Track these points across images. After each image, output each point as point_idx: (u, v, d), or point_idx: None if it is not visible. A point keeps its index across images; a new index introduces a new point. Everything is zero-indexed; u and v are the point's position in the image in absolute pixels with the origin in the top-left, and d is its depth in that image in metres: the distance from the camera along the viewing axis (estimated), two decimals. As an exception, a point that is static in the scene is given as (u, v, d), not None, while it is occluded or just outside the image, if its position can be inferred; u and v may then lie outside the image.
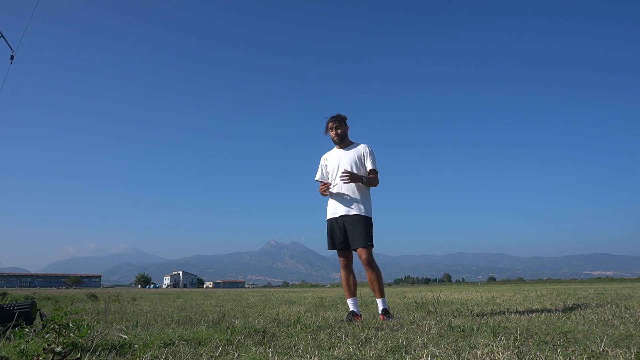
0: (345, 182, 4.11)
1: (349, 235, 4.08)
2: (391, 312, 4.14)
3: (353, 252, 4.17)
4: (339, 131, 4.31)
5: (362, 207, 4.09)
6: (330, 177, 4.33)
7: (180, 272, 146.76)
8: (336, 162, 4.31)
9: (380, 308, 4.03)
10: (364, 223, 4.05)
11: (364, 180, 4.11)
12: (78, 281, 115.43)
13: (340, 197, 4.18)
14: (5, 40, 11.42)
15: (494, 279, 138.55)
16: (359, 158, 4.25)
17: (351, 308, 4.11)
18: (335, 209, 4.19)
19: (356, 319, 3.88)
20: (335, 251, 4.23)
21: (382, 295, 4.04)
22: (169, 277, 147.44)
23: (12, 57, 11.56)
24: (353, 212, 4.08)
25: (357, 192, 4.14)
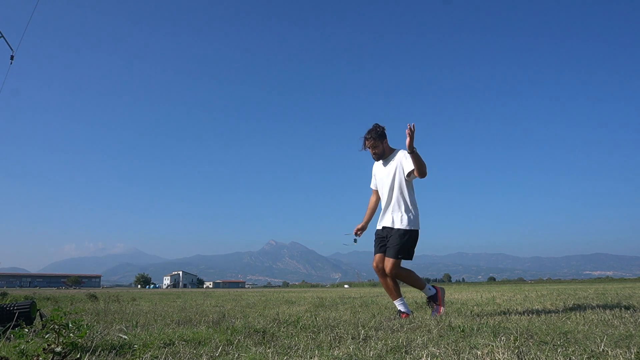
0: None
1: (388, 246, 4.11)
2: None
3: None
4: (376, 150, 4.18)
5: (403, 219, 4.04)
6: (379, 189, 4.37)
7: (180, 272, 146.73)
8: (379, 177, 4.31)
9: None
10: (402, 236, 4.00)
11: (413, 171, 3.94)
12: (78, 281, 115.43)
13: (385, 209, 4.21)
14: (5, 40, 11.43)
15: (494, 279, 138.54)
16: (397, 169, 4.13)
17: (398, 308, 4.16)
18: (379, 221, 4.26)
19: (402, 316, 3.97)
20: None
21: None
22: (169, 277, 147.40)
23: (12, 57, 11.57)
24: (394, 224, 4.08)
25: (401, 202, 4.09)
